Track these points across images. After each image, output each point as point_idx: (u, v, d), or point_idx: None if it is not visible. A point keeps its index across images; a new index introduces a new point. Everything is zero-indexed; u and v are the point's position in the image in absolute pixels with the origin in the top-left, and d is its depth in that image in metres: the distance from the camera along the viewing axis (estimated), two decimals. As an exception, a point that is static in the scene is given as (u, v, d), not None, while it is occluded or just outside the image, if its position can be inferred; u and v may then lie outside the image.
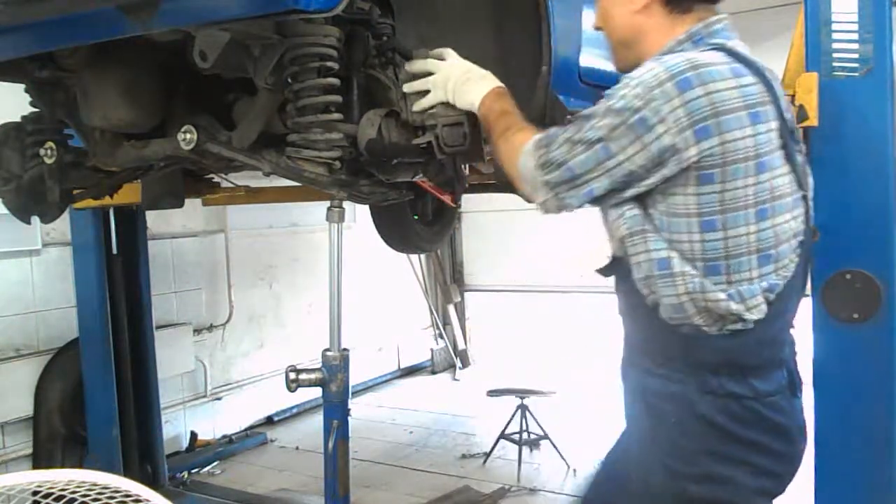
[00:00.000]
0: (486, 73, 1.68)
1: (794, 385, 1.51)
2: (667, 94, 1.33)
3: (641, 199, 1.43)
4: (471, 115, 1.68)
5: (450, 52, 1.71)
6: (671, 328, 1.46)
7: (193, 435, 4.92)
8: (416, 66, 1.72)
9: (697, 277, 1.40)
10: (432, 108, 1.69)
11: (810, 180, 1.53)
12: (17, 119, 2.21)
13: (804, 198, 1.49)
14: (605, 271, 1.60)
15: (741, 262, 1.40)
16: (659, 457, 1.49)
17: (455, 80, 1.65)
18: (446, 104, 1.67)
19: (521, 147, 1.50)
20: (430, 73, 1.71)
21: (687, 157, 1.34)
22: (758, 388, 1.44)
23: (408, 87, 1.72)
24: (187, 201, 3.17)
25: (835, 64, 1.89)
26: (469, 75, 1.67)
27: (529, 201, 1.56)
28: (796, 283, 1.47)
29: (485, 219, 7.09)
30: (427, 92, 1.71)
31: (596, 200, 1.46)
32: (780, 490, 1.53)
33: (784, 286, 1.44)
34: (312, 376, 2.33)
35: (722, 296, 1.39)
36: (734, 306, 1.40)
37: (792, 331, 1.55)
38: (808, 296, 1.65)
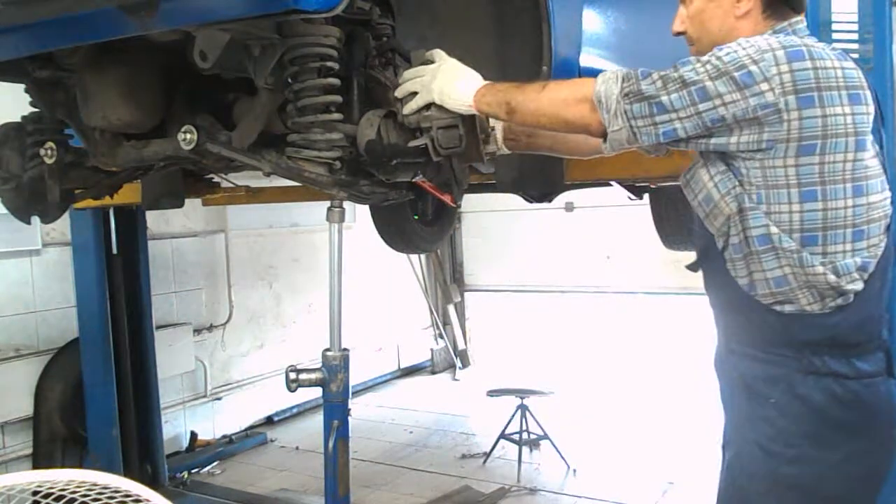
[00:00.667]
0: (473, 71, 1.67)
1: (892, 368, 1.54)
2: (777, 59, 1.40)
3: (740, 177, 1.48)
4: (466, 118, 1.67)
5: (440, 54, 1.71)
6: (770, 310, 1.50)
7: (193, 435, 4.93)
8: (407, 74, 1.72)
9: (795, 253, 1.45)
10: (425, 108, 1.68)
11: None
12: (17, 119, 2.21)
13: (888, 182, 1.54)
14: (695, 266, 1.64)
15: (836, 235, 1.46)
16: (755, 437, 1.53)
17: (441, 81, 1.65)
18: (441, 107, 1.67)
19: (592, 80, 1.52)
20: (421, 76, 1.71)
21: (788, 119, 1.40)
22: (859, 367, 1.48)
23: (398, 92, 1.72)
24: (187, 201, 3.18)
25: (835, 64, 1.89)
26: (456, 74, 1.66)
27: (587, 131, 1.57)
28: (886, 262, 1.52)
29: (485, 219, 7.09)
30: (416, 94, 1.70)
31: (674, 143, 1.49)
32: (871, 479, 1.53)
33: (876, 264, 1.49)
34: (312, 376, 2.33)
35: (820, 268, 1.45)
36: (832, 278, 1.45)
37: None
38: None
